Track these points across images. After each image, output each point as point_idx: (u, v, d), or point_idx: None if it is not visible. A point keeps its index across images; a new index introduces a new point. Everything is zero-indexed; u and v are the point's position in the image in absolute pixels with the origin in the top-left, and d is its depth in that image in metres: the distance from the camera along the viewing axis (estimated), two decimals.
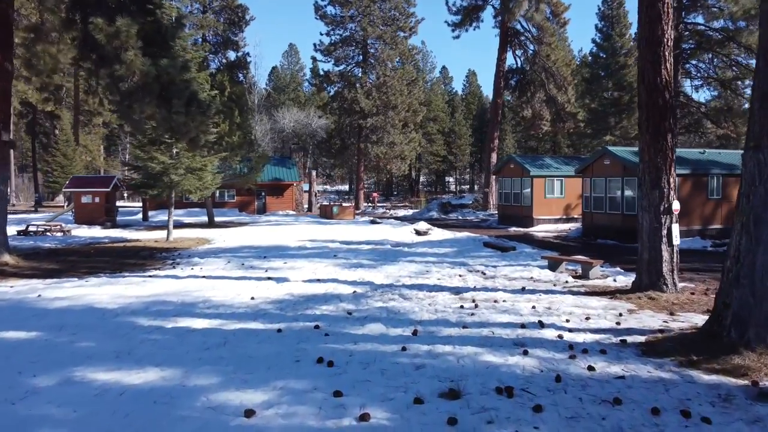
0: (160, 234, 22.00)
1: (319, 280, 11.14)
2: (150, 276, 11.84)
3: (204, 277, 11.55)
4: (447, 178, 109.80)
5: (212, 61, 52.83)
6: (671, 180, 9.01)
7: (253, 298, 9.32)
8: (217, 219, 30.48)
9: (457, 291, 10.17)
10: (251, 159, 26.43)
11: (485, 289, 10.40)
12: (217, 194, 34.61)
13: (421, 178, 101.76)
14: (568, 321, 7.58)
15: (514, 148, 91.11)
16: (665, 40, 8.97)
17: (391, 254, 15.60)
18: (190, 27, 50.34)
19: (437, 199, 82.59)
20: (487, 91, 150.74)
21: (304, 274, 12.03)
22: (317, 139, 53.76)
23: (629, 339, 6.57)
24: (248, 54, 53.66)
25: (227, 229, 24.41)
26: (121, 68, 12.32)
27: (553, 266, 12.98)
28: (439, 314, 8.10)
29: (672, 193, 9.09)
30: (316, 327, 7.24)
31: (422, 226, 22.85)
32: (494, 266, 13.60)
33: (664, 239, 9.12)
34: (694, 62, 27.15)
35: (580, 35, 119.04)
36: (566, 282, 11.32)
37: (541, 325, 7.33)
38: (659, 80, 9.00)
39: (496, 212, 34.94)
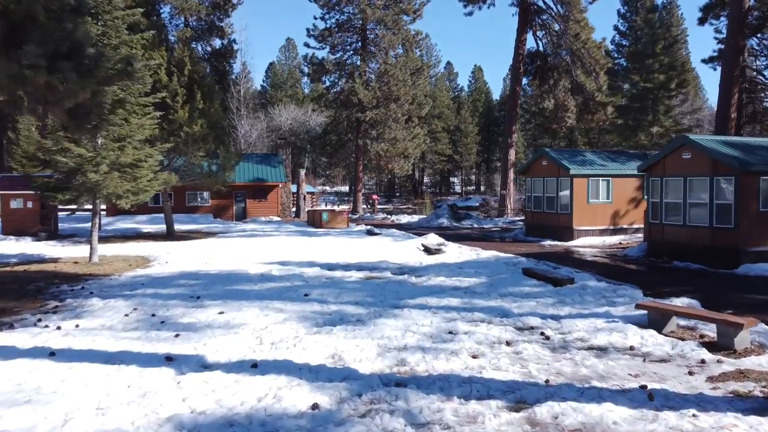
0: (100, 250, 16.92)
1: (255, 366, 6.00)
2: None
3: (53, 353, 6.40)
4: (452, 179, 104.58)
5: (196, 48, 48.09)
6: None
7: None
8: (183, 227, 25.38)
9: (519, 400, 5.18)
10: (225, 155, 21.29)
11: (572, 390, 5.32)
12: (187, 198, 29.52)
13: (425, 179, 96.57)
14: None
15: (524, 147, 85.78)
16: None
17: (391, 291, 10.44)
18: (170, 10, 45.67)
19: (442, 201, 77.31)
20: (495, 87, 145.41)
21: (238, 344, 6.91)
22: (311, 134, 48.72)
23: None
24: (234, 41, 49.16)
25: (187, 243, 19.31)
26: None
27: (657, 321, 7.91)
28: None
29: None
30: None
31: (432, 239, 17.70)
32: (555, 318, 8.49)
33: None
34: None
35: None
36: (702, 363, 6.33)
37: None
38: None
39: (517, 219, 29.76)
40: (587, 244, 18.64)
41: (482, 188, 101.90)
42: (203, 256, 15.58)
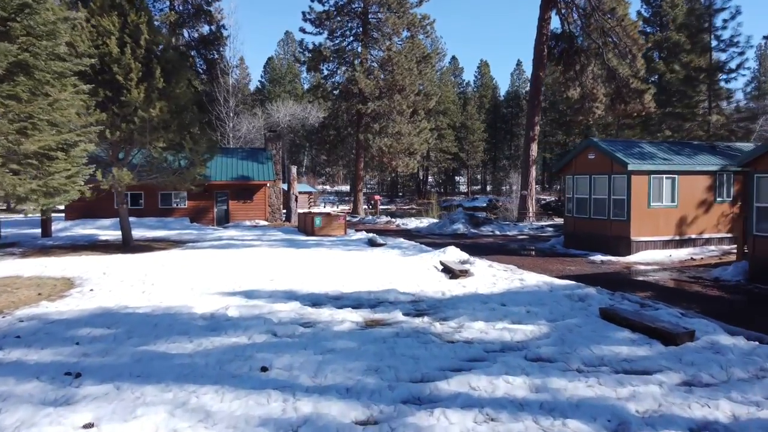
0: (24, 265, 12.94)
1: None
2: None
3: None
4: (456, 178, 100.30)
5: (182, 35, 44.05)
6: None
7: None
8: (149, 234, 21.36)
9: None
10: (191, 146, 17.20)
11: None
12: (160, 199, 25.48)
13: (429, 178, 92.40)
14: None
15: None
16: None
17: (407, 356, 6.34)
18: None
19: (448, 201, 73.17)
20: (502, 83, 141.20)
21: None
22: (306, 128, 44.67)
23: None
24: (224, 26, 45.05)
25: (141, 257, 15.29)
26: None
27: None
28: None
29: None
30: None
31: (453, 254, 13.67)
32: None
33: None
34: None
35: None
36: None
37: None
38: None
39: (545, 224, 25.67)
40: (650, 260, 14.55)
41: (488, 188, 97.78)
42: (148, 278, 11.53)
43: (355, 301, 9.50)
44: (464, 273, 11.51)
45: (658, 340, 7.03)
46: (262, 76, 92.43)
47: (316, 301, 9.50)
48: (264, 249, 16.43)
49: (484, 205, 70.56)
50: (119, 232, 21.38)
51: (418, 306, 9.23)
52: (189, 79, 40.44)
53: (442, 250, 14.30)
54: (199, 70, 44.72)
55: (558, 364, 6.26)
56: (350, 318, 8.21)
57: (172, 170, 17.93)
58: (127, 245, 17.72)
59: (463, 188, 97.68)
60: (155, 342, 6.94)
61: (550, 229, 22.78)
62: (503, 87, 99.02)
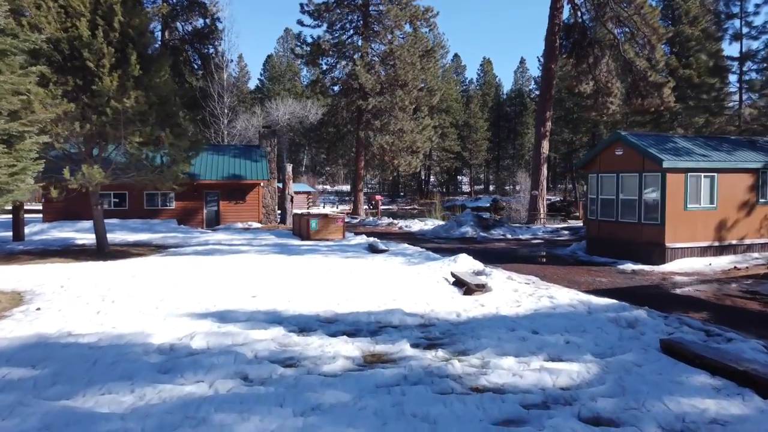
0: None
1: None
2: None
3: None
4: (459, 177, 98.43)
5: (176, 28, 42.35)
6: None
7: None
8: (129, 238, 19.67)
9: None
10: (171, 141, 15.46)
11: None
12: (146, 199, 23.77)
13: (431, 178, 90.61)
14: None
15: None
16: None
17: (415, 413, 4.59)
18: None
19: (451, 201, 71.28)
20: (505, 81, 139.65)
21: None
22: (305, 126, 42.97)
23: None
24: (219, 19, 43.28)
25: (113, 265, 13.58)
26: None
27: None
28: None
29: None
30: None
31: (465, 264, 11.97)
32: None
33: None
34: None
35: None
36: None
37: None
38: None
39: (559, 227, 23.93)
40: (688, 270, 12.82)
41: (491, 188, 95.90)
42: (110, 294, 9.82)
43: (352, 326, 7.80)
44: (481, 288, 9.79)
45: (750, 389, 5.31)
46: (261, 74, 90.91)
47: (304, 325, 7.79)
48: (252, 256, 14.71)
49: (488, 205, 68.67)
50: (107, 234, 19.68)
51: (428, 332, 7.52)
52: (181, 71, 39.08)
53: (452, 258, 12.57)
54: (194, 65, 43.17)
55: (627, 430, 4.55)
56: (345, 352, 6.49)
57: (152, 168, 16.21)
58: (102, 251, 16.02)
59: (466, 188, 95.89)
60: (84, 392, 5.23)
61: (566, 232, 21.06)
62: (506, 85, 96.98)
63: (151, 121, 15.10)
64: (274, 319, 8.03)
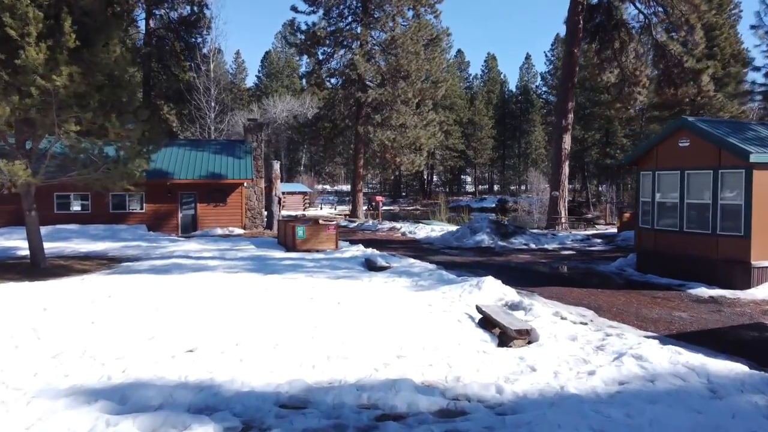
0: None
1: None
2: None
3: None
4: (463, 177, 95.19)
5: (157, 13, 39.24)
6: None
7: None
8: (84, 247, 16.64)
9: None
10: (117, 130, 12.43)
11: None
12: (111, 202, 20.71)
13: (434, 177, 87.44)
14: None
15: (544, 143, 76.46)
16: None
17: None
18: None
19: (455, 201, 68.15)
20: (510, 77, 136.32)
21: None
22: (300, 121, 39.89)
23: None
24: (207, 5, 40.24)
25: (37, 288, 10.49)
26: None
27: None
28: None
29: None
30: None
31: (492, 291, 8.92)
32: None
33: None
34: None
35: None
36: None
37: None
38: None
39: (588, 233, 20.84)
40: None
41: (496, 188, 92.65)
42: None
43: (331, 418, 4.71)
44: (524, 335, 6.72)
45: None
46: (259, 71, 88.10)
47: (252, 417, 4.72)
48: (217, 276, 11.63)
49: (493, 205, 65.57)
50: (54, 243, 16.66)
51: (456, 428, 4.43)
52: (166, 62, 36.08)
53: (473, 282, 9.49)
54: (181, 56, 40.20)
55: None
56: None
57: (101, 163, 13.14)
58: (37, 267, 12.96)
59: (470, 188, 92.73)
60: None
61: (598, 240, 17.99)
62: (512, 82, 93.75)
63: (93, 105, 12.04)
64: (205, 403, 4.96)
